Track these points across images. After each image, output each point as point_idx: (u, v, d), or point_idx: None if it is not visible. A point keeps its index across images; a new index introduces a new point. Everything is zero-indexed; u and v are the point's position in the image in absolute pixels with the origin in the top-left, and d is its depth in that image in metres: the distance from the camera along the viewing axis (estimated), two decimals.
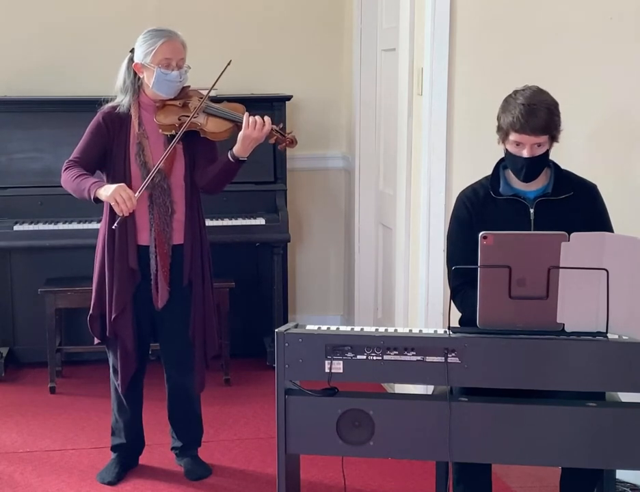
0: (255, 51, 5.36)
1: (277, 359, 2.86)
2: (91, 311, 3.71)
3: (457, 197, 3.26)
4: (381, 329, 2.91)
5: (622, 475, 3.64)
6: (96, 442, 4.19)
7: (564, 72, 3.85)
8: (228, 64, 3.57)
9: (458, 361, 2.77)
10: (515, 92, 3.09)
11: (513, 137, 3.05)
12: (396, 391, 4.42)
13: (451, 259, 3.20)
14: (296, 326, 2.94)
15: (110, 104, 3.65)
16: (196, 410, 3.90)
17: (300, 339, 2.85)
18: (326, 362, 2.83)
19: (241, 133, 3.58)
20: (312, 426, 2.87)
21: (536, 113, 3.00)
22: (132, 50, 3.63)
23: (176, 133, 3.56)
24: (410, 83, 4.30)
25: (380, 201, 5.16)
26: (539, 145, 3.05)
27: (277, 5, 5.40)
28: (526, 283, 2.71)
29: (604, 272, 2.66)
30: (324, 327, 2.92)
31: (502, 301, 2.73)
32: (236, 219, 4.98)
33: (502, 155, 3.18)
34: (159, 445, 4.09)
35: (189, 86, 3.69)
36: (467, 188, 3.25)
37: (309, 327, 2.95)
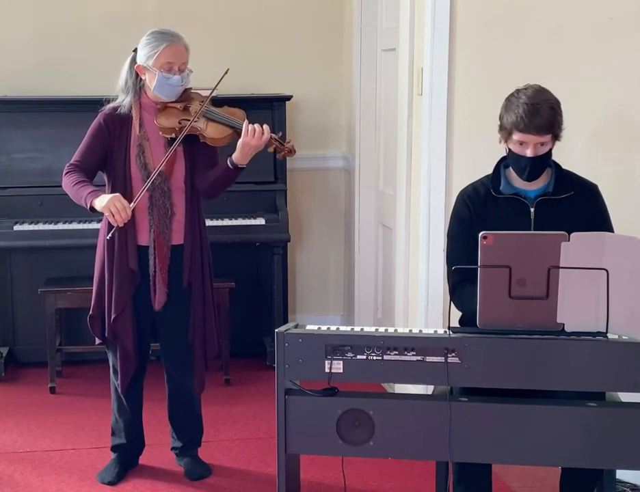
0: (255, 51, 5.36)
1: (277, 359, 2.86)
2: (91, 312, 3.71)
3: (458, 196, 3.26)
4: (381, 329, 2.91)
5: (622, 475, 3.64)
6: (96, 442, 4.19)
7: (564, 71, 3.85)
8: (225, 73, 3.57)
9: (458, 361, 2.77)
10: (518, 91, 3.08)
11: (516, 136, 3.04)
12: (396, 391, 4.42)
13: (451, 257, 3.20)
14: (296, 326, 2.94)
15: (111, 105, 3.65)
16: (196, 410, 3.90)
17: (300, 339, 2.84)
18: (326, 362, 2.82)
19: (240, 141, 3.58)
20: (312, 426, 2.87)
21: (539, 112, 3.00)
22: (135, 50, 3.62)
23: (176, 136, 3.56)
24: (410, 83, 4.30)
25: (380, 201, 5.16)
26: (543, 144, 3.05)
27: (277, 5, 5.40)
28: (526, 283, 2.71)
29: (604, 272, 2.66)
30: (324, 327, 2.92)
31: (502, 301, 2.73)
32: (236, 219, 4.98)
33: (503, 154, 3.18)
34: (159, 445, 4.09)
35: (190, 88, 3.68)
36: (468, 186, 3.25)
37: (309, 327, 2.95)
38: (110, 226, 3.52)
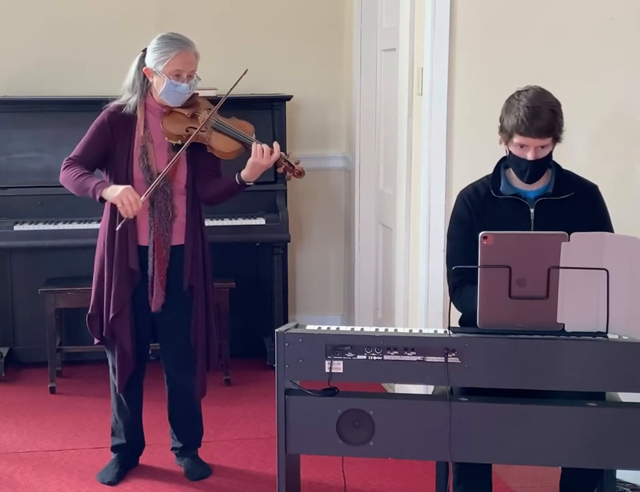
0: (255, 51, 5.35)
1: (277, 359, 2.86)
2: (90, 311, 3.71)
3: (458, 196, 3.26)
4: (381, 329, 2.91)
5: (622, 475, 3.64)
6: (96, 442, 4.19)
7: (564, 72, 3.85)
8: (244, 73, 3.55)
9: (458, 361, 2.77)
10: (518, 93, 3.07)
11: (517, 139, 3.04)
12: (396, 391, 4.42)
13: (451, 257, 3.20)
14: (296, 326, 2.94)
15: (117, 103, 3.63)
16: (196, 410, 3.90)
17: (300, 339, 2.84)
18: (326, 362, 2.82)
19: (250, 160, 3.58)
20: (312, 426, 2.87)
21: (540, 115, 2.99)
22: (144, 50, 3.59)
23: (182, 143, 3.55)
24: (410, 83, 4.30)
25: (380, 201, 5.16)
26: (543, 147, 3.04)
27: (278, 5, 5.40)
28: (526, 283, 2.71)
29: (604, 272, 2.66)
30: (324, 327, 2.92)
31: (502, 301, 2.73)
32: (236, 219, 4.98)
33: (503, 154, 3.18)
34: (159, 445, 4.09)
35: (197, 93, 3.67)
36: (468, 186, 3.25)
37: (309, 327, 2.95)
38: (115, 217, 3.54)
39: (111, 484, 3.78)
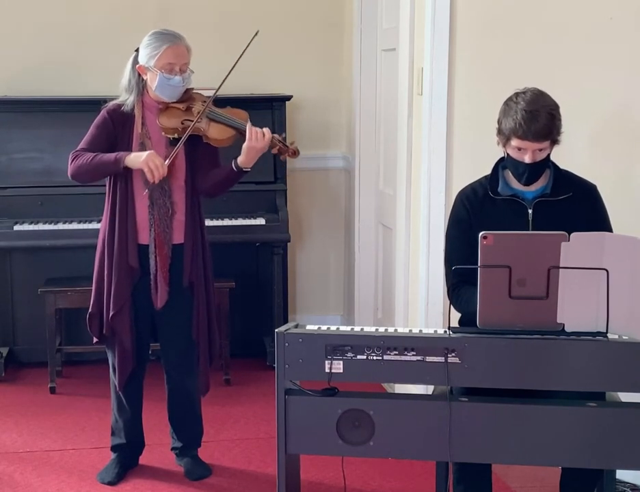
0: (255, 51, 5.32)
1: (277, 359, 2.86)
2: (90, 309, 3.71)
3: (456, 196, 3.25)
4: (381, 329, 2.91)
5: (622, 475, 3.64)
6: (96, 442, 4.19)
7: (564, 72, 3.85)
8: (255, 35, 3.59)
9: (458, 361, 2.77)
10: (517, 95, 3.06)
11: (515, 142, 3.03)
12: (396, 391, 4.42)
13: (449, 258, 3.20)
14: (296, 326, 2.94)
15: (115, 102, 3.66)
16: (196, 410, 3.90)
17: (300, 339, 2.84)
18: (326, 362, 2.82)
19: (245, 145, 3.60)
20: (312, 426, 2.87)
21: (538, 119, 2.98)
22: (137, 50, 3.62)
23: (179, 137, 3.56)
24: (410, 83, 4.30)
25: (380, 201, 5.16)
26: (541, 150, 3.03)
27: (278, 5, 5.40)
28: (526, 283, 2.71)
29: (604, 272, 2.66)
30: (324, 327, 2.92)
31: (502, 301, 2.73)
32: (236, 218, 4.98)
33: (502, 155, 3.18)
34: (159, 445, 4.09)
35: (192, 88, 3.69)
36: (466, 187, 3.25)
37: (309, 327, 2.95)
38: (114, 216, 3.59)
39: (111, 484, 3.78)
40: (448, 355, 2.77)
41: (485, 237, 2.70)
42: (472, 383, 2.83)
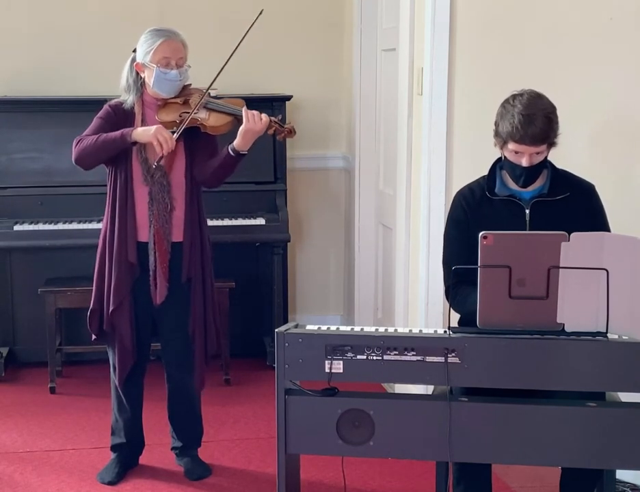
0: (255, 51, 5.34)
1: (277, 359, 2.86)
2: (91, 305, 3.72)
3: (454, 197, 3.26)
4: (381, 329, 2.91)
5: (622, 475, 3.64)
6: (96, 442, 4.19)
7: (564, 72, 3.85)
8: (260, 13, 3.64)
9: (458, 361, 2.77)
10: (514, 97, 3.05)
11: (511, 146, 3.03)
12: (396, 391, 4.42)
13: (447, 258, 3.20)
14: (296, 326, 2.94)
15: (116, 100, 3.68)
16: (196, 410, 3.90)
17: (300, 339, 2.85)
18: (326, 362, 2.83)
19: (241, 128, 3.59)
20: (312, 426, 2.87)
21: (534, 123, 2.97)
22: (135, 50, 3.64)
23: (178, 128, 3.57)
24: (410, 83, 4.30)
25: (380, 201, 5.16)
26: (538, 153, 3.03)
27: (278, 5, 5.40)
28: (526, 283, 2.71)
29: (604, 272, 2.66)
30: (324, 327, 2.92)
31: (502, 301, 2.73)
32: (236, 219, 4.98)
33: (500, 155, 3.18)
34: (159, 445, 4.09)
35: (190, 85, 3.70)
36: (464, 187, 3.25)
37: (309, 327, 2.95)
38: (114, 215, 3.60)
39: (111, 483, 3.79)
40: (448, 355, 2.77)
41: (485, 237, 2.70)
42: (472, 383, 2.83)
